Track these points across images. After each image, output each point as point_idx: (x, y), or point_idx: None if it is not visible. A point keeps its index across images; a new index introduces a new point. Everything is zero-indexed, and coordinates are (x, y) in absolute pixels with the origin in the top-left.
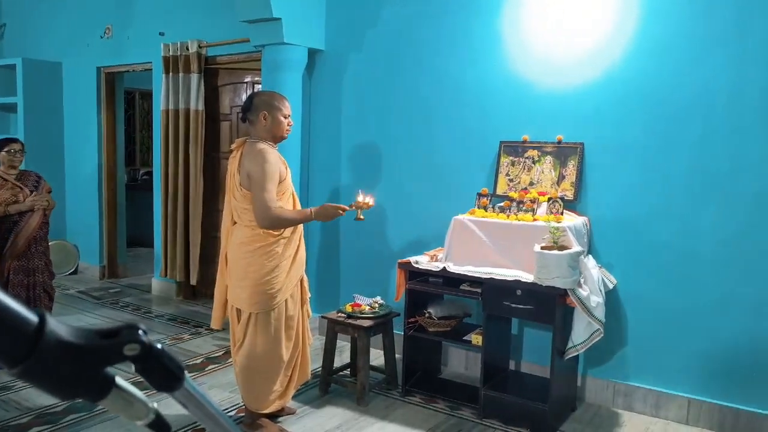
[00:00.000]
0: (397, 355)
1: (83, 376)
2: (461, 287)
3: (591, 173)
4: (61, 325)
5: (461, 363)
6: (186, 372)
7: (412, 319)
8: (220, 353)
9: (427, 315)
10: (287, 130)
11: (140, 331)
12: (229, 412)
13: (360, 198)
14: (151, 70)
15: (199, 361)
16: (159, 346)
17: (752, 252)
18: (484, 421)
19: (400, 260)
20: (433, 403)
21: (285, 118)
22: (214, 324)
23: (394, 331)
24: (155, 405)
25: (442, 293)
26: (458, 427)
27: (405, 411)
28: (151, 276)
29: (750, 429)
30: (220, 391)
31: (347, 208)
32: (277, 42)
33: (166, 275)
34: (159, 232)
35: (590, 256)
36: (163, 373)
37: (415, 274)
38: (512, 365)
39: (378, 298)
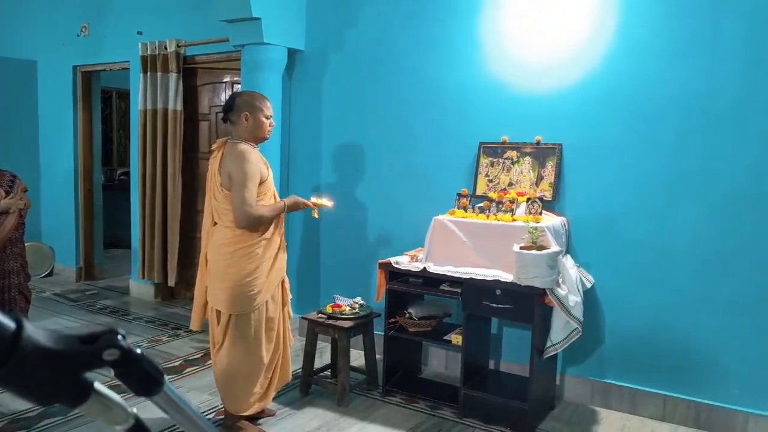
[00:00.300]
0: (377, 356)
1: (62, 381)
2: (441, 287)
3: (569, 174)
4: (39, 329)
5: (441, 363)
6: (165, 376)
7: (393, 320)
8: (199, 355)
9: (407, 315)
10: (269, 131)
11: (119, 336)
12: (208, 414)
13: (324, 200)
14: (129, 69)
15: (177, 364)
16: (138, 350)
17: (727, 251)
18: (464, 421)
19: (380, 261)
20: (413, 403)
21: (267, 119)
22: (194, 325)
23: (375, 332)
24: (134, 410)
25: (423, 293)
26: (438, 426)
27: (385, 411)
28: (129, 277)
29: (724, 425)
30: (199, 393)
31: (309, 204)
32: (256, 42)
33: (144, 277)
34: (137, 233)
35: (568, 255)
36: (143, 377)
37: (395, 275)
38: (492, 364)
39: (358, 299)
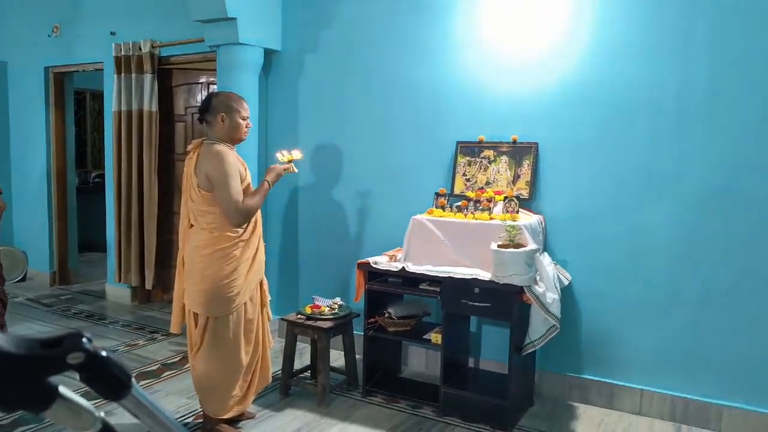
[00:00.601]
0: (357, 356)
1: (25, 387)
2: (420, 286)
3: (545, 172)
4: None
5: (421, 362)
6: (134, 379)
7: (372, 320)
8: (177, 359)
9: (386, 315)
10: (245, 132)
11: (84, 339)
12: (187, 418)
13: (295, 155)
14: (102, 70)
15: (155, 368)
16: (104, 353)
17: (699, 247)
18: (444, 419)
19: (359, 261)
20: (394, 402)
21: (243, 120)
22: (174, 329)
23: (354, 332)
24: (102, 414)
25: (402, 293)
26: (419, 425)
27: (366, 411)
28: (104, 281)
29: (698, 417)
30: (178, 397)
31: (286, 166)
32: (232, 42)
33: (120, 280)
34: (112, 235)
35: (546, 253)
36: (110, 380)
37: (374, 275)
38: (471, 362)
39: (338, 299)
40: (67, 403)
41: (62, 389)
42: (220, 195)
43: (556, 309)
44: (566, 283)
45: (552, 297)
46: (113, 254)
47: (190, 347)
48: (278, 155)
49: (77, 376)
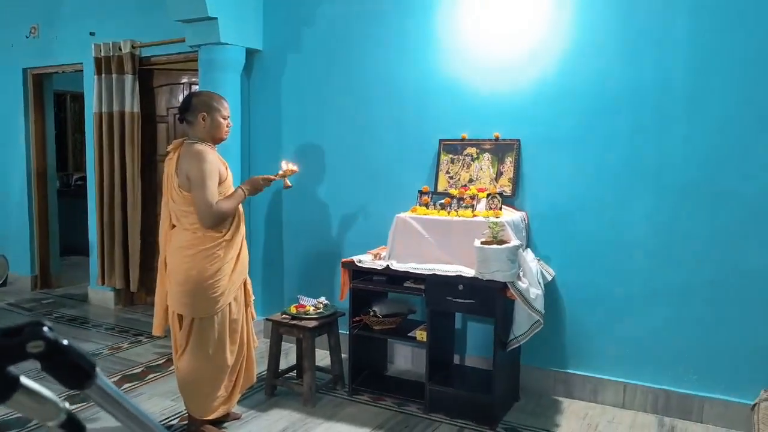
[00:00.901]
0: (343, 355)
1: None
2: (405, 284)
3: (528, 169)
4: None
5: (407, 360)
6: (98, 368)
7: (357, 318)
8: (161, 361)
9: (372, 313)
10: (226, 132)
11: (45, 328)
12: (171, 420)
13: (284, 166)
14: (82, 71)
15: (139, 370)
16: (65, 341)
17: (679, 241)
18: (430, 416)
19: (343, 260)
20: (380, 400)
21: (224, 119)
22: (156, 331)
23: (340, 331)
24: (67, 405)
25: (386, 291)
26: (405, 422)
27: (352, 410)
28: (87, 285)
29: (680, 409)
30: (162, 399)
31: (274, 177)
32: (213, 42)
33: (102, 283)
34: (95, 238)
35: (529, 249)
36: (72, 369)
37: (359, 273)
38: (457, 359)
39: (322, 299)
40: (29, 394)
41: (24, 379)
42: (196, 195)
43: (539, 304)
44: (549, 278)
45: (535, 292)
46: (96, 257)
47: (174, 349)
48: (280, 171)
49: (39, 365)
